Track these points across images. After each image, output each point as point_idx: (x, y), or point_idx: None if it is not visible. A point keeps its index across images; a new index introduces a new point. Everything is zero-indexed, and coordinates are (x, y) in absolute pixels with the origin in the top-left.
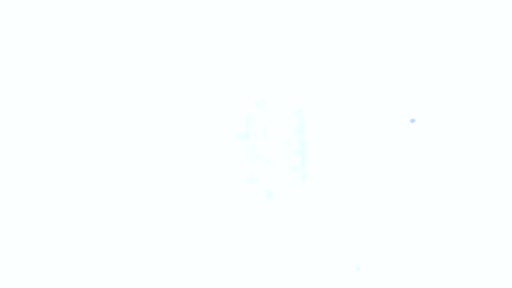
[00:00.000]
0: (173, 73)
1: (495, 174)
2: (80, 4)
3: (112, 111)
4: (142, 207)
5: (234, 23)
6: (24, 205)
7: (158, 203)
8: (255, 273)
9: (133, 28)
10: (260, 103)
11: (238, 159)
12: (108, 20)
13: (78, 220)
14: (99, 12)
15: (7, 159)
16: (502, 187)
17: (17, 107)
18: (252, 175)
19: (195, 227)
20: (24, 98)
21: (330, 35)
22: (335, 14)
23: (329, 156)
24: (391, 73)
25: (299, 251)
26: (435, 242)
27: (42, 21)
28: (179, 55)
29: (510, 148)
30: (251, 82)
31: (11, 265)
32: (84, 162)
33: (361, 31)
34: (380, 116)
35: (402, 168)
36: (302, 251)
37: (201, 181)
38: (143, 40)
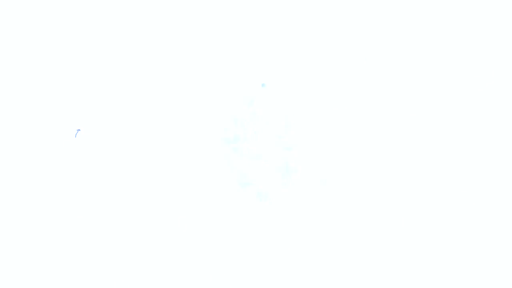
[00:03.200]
0: (159, 75)
1: (489, 182)
2: (73, 3)
3: (97, 115)
4: (134, 212)
5: (221, 24)
6: (20, 204)
7: (150, 209)
8: (250, 277)
9: (115, 30)
10: (249, 104)
11: (228, 163)
12: (89, 23)
13: (61, 226)
14: (80, 12)
15: (6, 159)
16: (501, 189)
17: (16, 107)
18: (244, 179)
19: (188, 233)
20: (23, 98)
21: (320, 35)
22: (325, 15)
23: (325, 157)
24: (384, 71)
25: (294, 253)
26: (437, 244)
27: (42, 21)
28: (166, 58)
29: (509, 148)
30: (239, 83)
31: (11, 265)
32: (70, 166)
33: (351, 32)
34: (377, 115)
35: (401, 169)
36: (298, 254)
37: (192, 186)
38: (128, 41)
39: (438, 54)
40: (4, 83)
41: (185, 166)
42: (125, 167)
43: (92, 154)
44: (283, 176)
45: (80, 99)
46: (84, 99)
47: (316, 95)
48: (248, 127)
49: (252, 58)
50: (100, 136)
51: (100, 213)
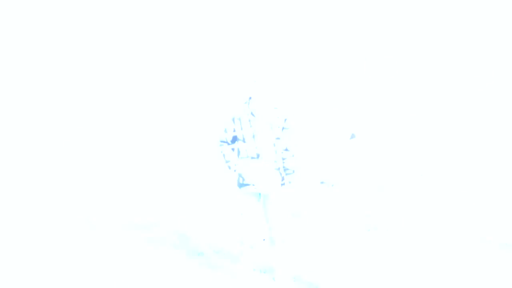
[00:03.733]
0: (159, 78)
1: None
2: (75, 4)
3: (98, 115)
4: (134, 210)
5: (222, 27)
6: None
7: (150, 207)
8: (249, 275)
9: (115, 33)
10: (248, 105)
11: (227, 164)
12: (90, 27)
13: (68, 225)
14: (81, 14)
15: (7, 158)
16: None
17: (17, 107)
18: (244, 179)
19: (188, 232)
20: (24, 98)
21: (319, 37)
22: (325, 18)
23: (323, 157)
24: (384, 73)
25: (292, 252)
26: (435, 243)
27: (43, 21)
28: (166, 60)
29: (509, 149)
30: (238, 84)
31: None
32: (70, 167)
33: (351, 33)
34: (375, 116)
35: (398, 169)
36: (296, 252)
37: (191, 186)
38: (128, 44)
39: (438, 55)
40: (4, 83)
41: (185, 166)
42: (124, 168)
43: (93, 154)
44: (281, 176)
45: (80, 101)
46: (84, 101)
47: (315, 96)
48: (247, 128)
49: (251, 60)
50: (100, 136)
51: (102, 211)
